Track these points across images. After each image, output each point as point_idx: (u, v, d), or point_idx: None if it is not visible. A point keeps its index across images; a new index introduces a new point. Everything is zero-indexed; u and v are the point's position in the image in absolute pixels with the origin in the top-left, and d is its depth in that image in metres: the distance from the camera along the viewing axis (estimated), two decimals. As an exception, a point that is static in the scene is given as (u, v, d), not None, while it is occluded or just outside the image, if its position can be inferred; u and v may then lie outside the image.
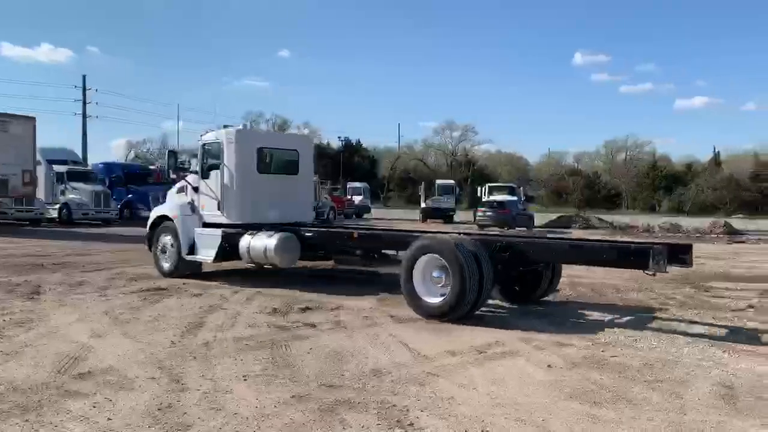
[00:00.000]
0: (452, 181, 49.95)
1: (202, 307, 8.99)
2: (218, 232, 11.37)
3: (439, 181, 48.05)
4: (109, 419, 4.66)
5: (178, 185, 12.72)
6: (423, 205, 41.55)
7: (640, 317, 8.90)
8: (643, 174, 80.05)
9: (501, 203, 32.87)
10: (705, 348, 7.09)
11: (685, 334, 7.82)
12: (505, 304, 9.64)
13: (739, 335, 7.85)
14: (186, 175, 12.39)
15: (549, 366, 6.32)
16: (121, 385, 5.47)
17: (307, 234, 11.07)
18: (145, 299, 9.61)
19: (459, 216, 44.03)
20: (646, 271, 7.45)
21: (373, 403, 5.11)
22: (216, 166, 11.69)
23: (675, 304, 10.02)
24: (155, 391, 5.32)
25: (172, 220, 11.99)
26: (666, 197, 74.57)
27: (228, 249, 11.26)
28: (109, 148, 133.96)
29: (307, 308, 9.07)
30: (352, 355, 6.61)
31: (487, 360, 6.53)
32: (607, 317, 8.91)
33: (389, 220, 40.61)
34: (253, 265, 11.67)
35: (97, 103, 61.26)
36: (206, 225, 11.78)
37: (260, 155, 11.89)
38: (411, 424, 4.68)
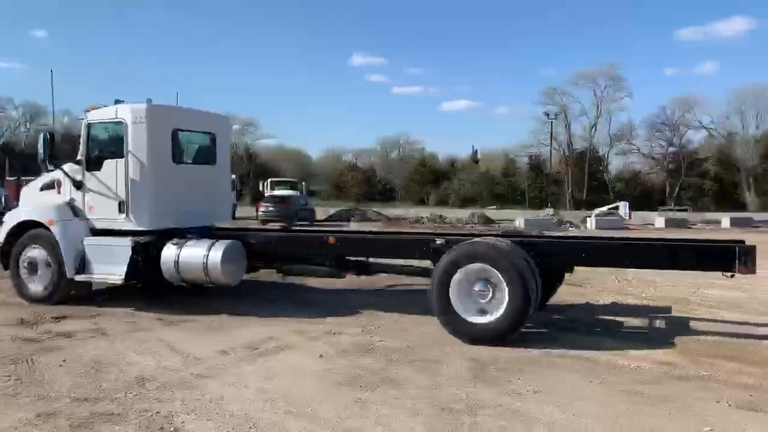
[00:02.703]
0: (233, 176, 48.80)
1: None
2: (126, 241, 8.66)
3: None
4: None
5: (41, 180, 9.72)
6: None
7: (408, 301, 9.51)
8: (413, 170, 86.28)
9: (284, 198, 32.95)
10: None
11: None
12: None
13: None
14: (58, 167, 9.25)
15: (321, 356, 6.48)
16: None
17: (255, 241, 9.00)
18: None
19: (241, 211, 43.18)
20: (725, 273, 6.81)
21: (135, 412, 4.77)
22: (113, 154, 8.91)
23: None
24: None
25: (46, 228, 8.99)
26: (434, 191, 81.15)
27: (141, 263, 8.70)
28: None
29: (62, 317, 8.19)
30: (113, 364, 6.11)
31: (261, 356, 6.48)
32: (380, 302, 9.39)
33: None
34: (183, 283, 8.95)
35: None
36: (97, 233, 9.03)
37: (175, 140, 9.23)
38: (175, 430, 4.46)
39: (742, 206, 60.94)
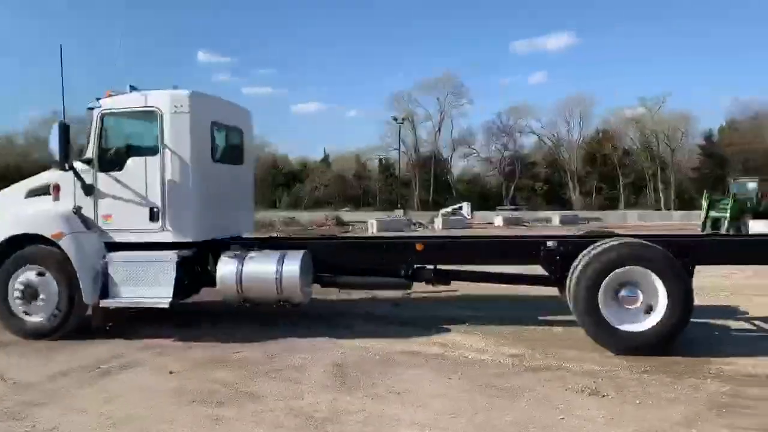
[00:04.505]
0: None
1: None
2: (168, 255, 7.25)
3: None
4: None
5: (28, 184, 7.92)
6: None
7: (267, 309, 9.14)
8: (264, 172, 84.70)
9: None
10: (322, 330, 7.64)
11: (307, 317, 8.32)
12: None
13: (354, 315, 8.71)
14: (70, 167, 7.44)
15: (171, 372, 6.01)
16: None
17: (327, 250, 7.88)
18: None
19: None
20: None
21: (-55, 455, 4.07)
22: (140, 151, 7.54)
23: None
24: None
25: (49, 243, 7.29)
26: (285, 193, 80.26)
27: (186, 282, 7.46)
28: None
29: None
30: None
31: (103, 376, 5.88)
32: (239, 313, 8.93)
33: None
34: (246, 303, 7.56)
35: None
36: (114, 247, 7.43)
37: (213, 135, 7.91)
38: (-1, 472, 3.86)
39: (569, 205, 66.93)
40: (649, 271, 6.36)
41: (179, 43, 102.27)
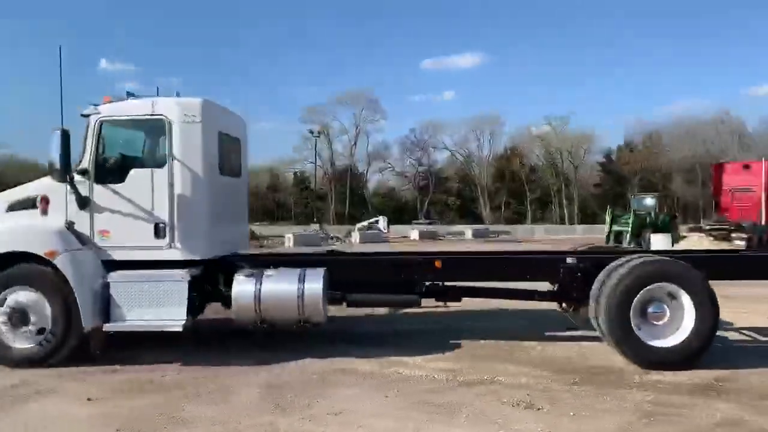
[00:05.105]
0: None
1: None
2: (179, 274, 6.75)
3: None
4: None
5: (15, 195, 7.16)
6: None
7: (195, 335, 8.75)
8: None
9: None
10: (255, 350, 7.34)
11: (238, 336, 8.00)
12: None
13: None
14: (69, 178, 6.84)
15: (89, 399, 5.61)
16: None
17: (344, 267, 7.66)
18: None
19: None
20: None
21: None
22: (144, 162, 7.22)
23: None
24: None
25: (43, 261, 6.58)
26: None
27: (196, 303, 7.02)
28: None
29: None
30: None
31: (11, 406, 5.39)
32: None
33: None
34: (263, 325, 7.08)
35: None
36: (113, 265, 6.85)
37: (220, 146, 7.44)
38: None
39: (480, 219, 68.88)
40: (677, 287, 6.56)
41: (79, 51, 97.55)
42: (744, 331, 8.47)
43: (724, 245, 22.22)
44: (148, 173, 7.00)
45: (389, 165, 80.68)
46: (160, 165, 6.98)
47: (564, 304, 7.99)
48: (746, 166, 27.45)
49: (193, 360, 6.94)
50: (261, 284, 6.98)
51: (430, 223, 56.38)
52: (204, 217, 7.08)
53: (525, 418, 5.06)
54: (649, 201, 29.84)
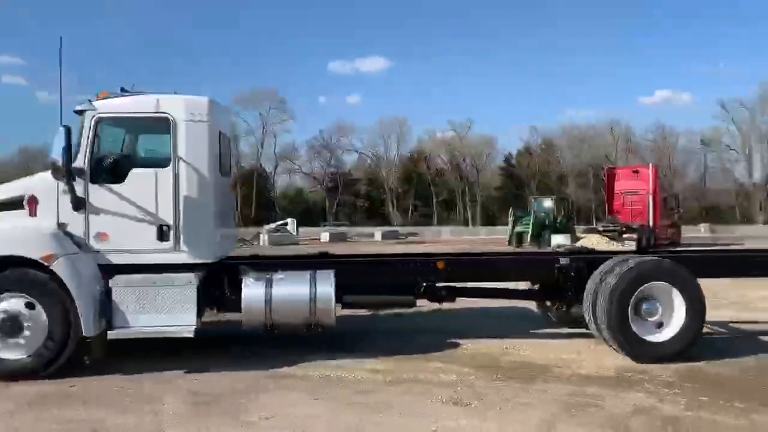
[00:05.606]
0: None
1: None
2: (187, 278, 6.47)
3: None
4: None
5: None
6: None
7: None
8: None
9: None
10: (174, 356, 7.05)
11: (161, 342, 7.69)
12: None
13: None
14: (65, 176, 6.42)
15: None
16: None
17: (350, 269, 7.56)
18: None
19: None
20: None
21: None
22: (147, 161, 7.01)
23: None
24: None
25: (37, 265, 6.16)
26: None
27: (201, 307, 6.70)
28: None
29: None
30: None
31: None
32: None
33: None
34: (274, 329, 6.94)
35: None
36: (111, 269, 6.50)
37: (221, 145, 7.19)
38: None
39: (388, 221, 69.73)
40: (670, 285, 6.99)
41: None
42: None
43: (616, 245, 23.83)
44: (151, 173, 6.72)
45: (297, 166, 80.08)
46: (163, 165, 6.72)
47: (548, 303, 8.51)
48: (635, 171, 29.51)
49: (105, 369, 6.53)
50: (272, 288, 6.88)
51: (339, 225, 56.48)
52: (210, 218, 6.91)
53: (455, 414, 5.23)
54: (547, 203, 31.43)
